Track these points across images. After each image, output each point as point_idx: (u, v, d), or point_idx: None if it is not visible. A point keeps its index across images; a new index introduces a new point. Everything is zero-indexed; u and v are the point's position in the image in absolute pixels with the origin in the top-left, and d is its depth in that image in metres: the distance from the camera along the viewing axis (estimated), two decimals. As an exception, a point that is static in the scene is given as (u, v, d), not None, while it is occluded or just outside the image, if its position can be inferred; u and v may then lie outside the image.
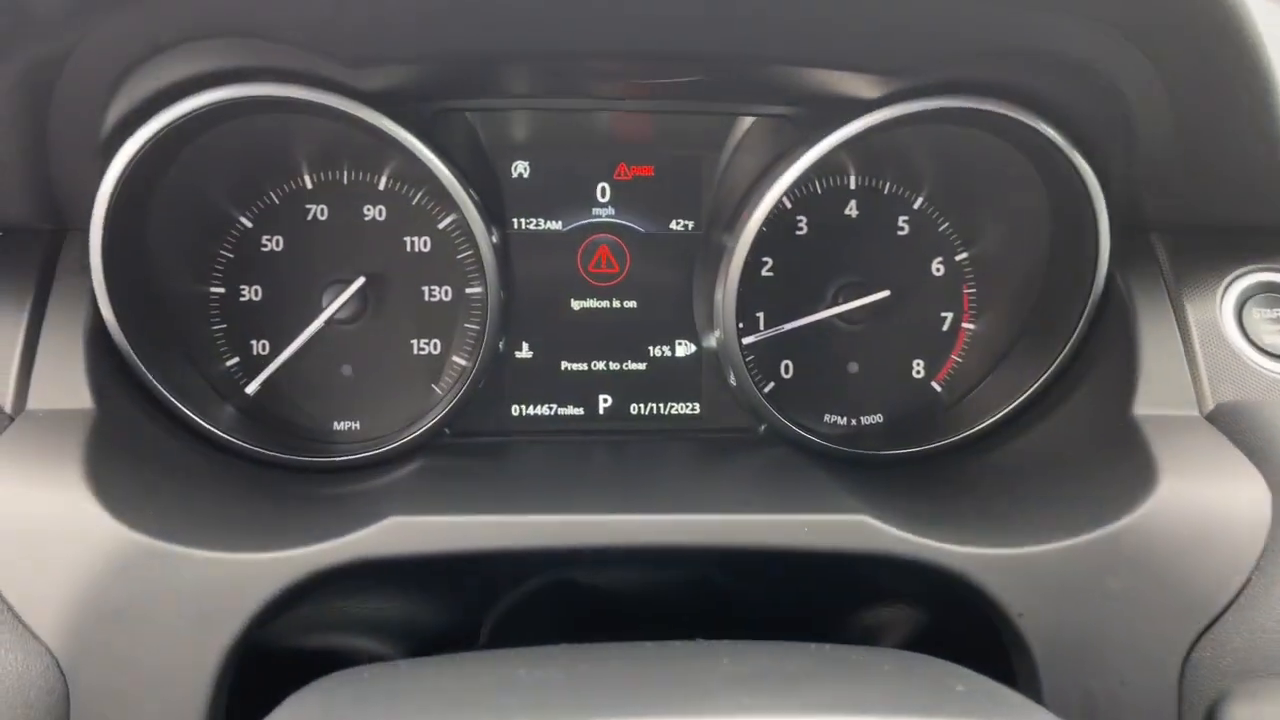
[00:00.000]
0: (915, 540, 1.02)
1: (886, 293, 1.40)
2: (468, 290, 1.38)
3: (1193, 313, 1.22)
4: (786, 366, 1.45)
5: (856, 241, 1.43)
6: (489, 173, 1.39)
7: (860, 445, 1.38)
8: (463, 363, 1.38)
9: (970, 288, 1.45)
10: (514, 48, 1.15)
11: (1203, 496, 1.04)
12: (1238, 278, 1.24)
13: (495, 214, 1.38)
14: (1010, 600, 1.00)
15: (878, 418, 1.47)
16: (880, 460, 1.37)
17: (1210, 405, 1.17)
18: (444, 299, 1.39)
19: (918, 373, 1.46)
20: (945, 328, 1.45)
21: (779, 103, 1.32)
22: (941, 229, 1.44)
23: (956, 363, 1.46)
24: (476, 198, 1.28)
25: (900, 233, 1.44)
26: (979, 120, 1.25)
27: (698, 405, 1.47)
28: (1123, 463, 1.11)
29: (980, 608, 1.04)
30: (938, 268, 1.44)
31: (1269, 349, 1.20)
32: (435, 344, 1.39)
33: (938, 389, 1.46)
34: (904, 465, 1.37)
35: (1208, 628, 0.98)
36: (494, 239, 1.30)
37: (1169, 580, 1.00)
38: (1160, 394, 1.17)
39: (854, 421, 1.47)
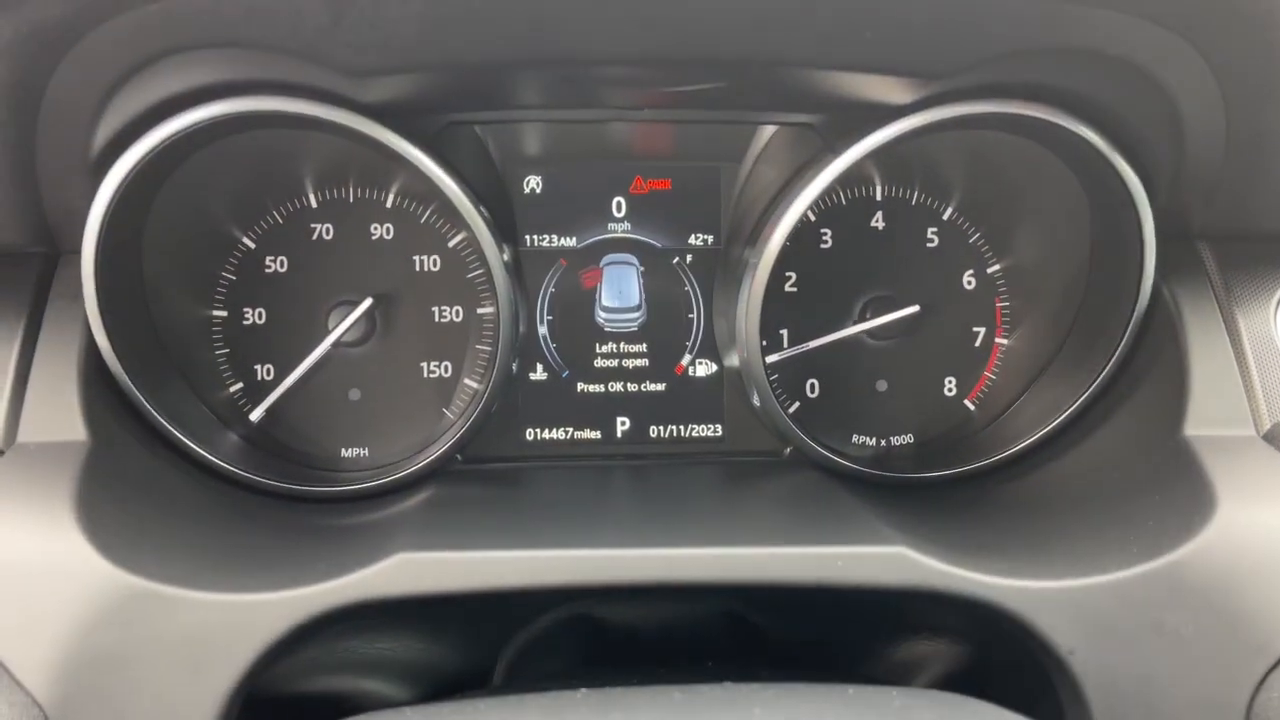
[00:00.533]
0: (957, 573, 0.96)
1: (916, 307, 1.34)
2: (479, 310, 1.32)
3: (1245, 325, 1.15)
4: (812, 385, 1.39)
5: (883, 254, 1.37)
6: (500, 188, 1.34)
7: (890, 468, 1.32)
8: (475, 385, 1.32)
9: (1003, 301, 1.38)
10: (524, 56, 1.10)
11: (1264, 523, 0.97)
12: (1295, 286, 1.17)
13: (507, 231, 1.33)
14: (1060, 637, 0.94)
15: (908, 438, 1.40)
16: (912, 483, 1.31)
17: (1267, 424, 1.10)
18: (455, 319, 1.34)
19: (949, 391, 1.40)
20: (977, 343, 1.39)
21: (803, 110, 1.26)
22: (972, 240, 1.37)
23: (990, 380, 1.40)
24: (487, 214, 1.23)
25: (929, 244, 1.38)
26: (1016, 125, 1.19)
27: (720, 427, 1.41)
28: (1176, 487, 1.04)
29: (1026, 644, 0.97)
30: (969, 280, 1.38)
31: (1328, 364, 1.13)
32: (446, 366, 1.34)
33: (970, 407, 1.40)
34: (937, 488, 1.31)
35: (1274, 667, 0.91)
36: (505, 257, 1.24)
37: (1231, 615, 0.93)
38: (1213, 412, 1.11)
39: (883, 442, 1.40)
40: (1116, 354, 1.22)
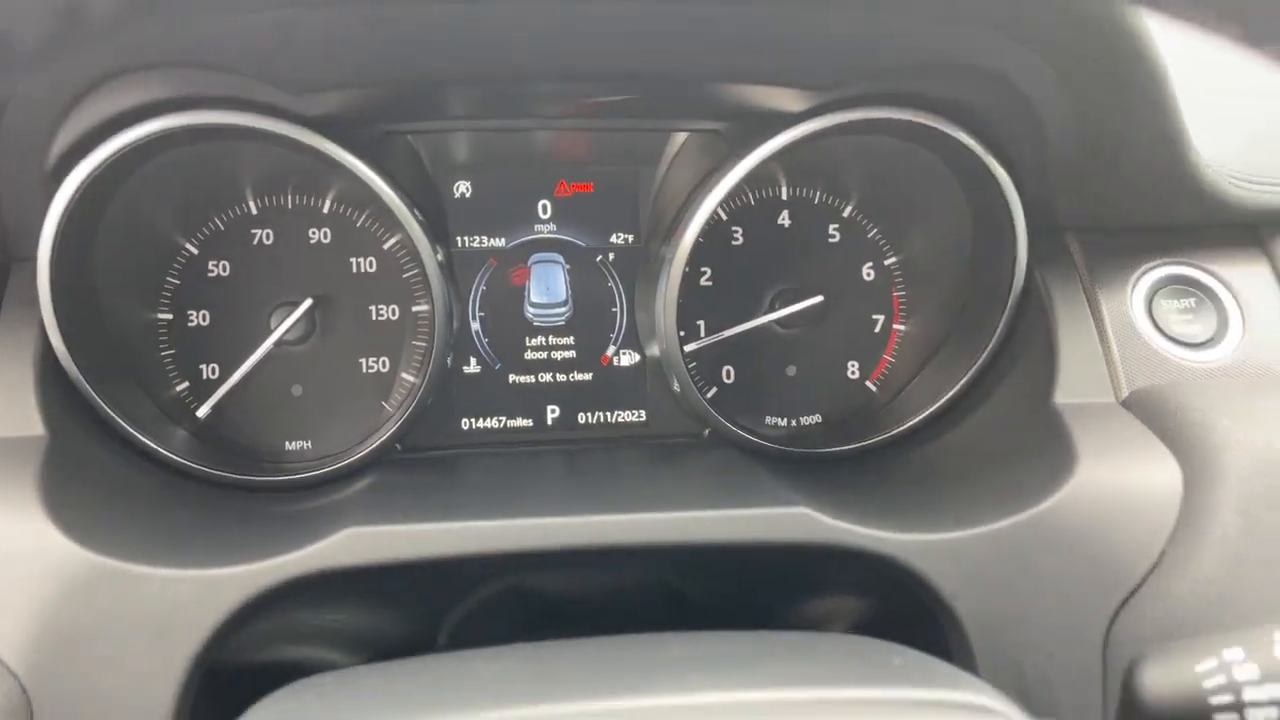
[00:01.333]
0: (853, 529, 1.08)
1: (820, 298, 1.46)
2: (414, 308, 1.40)
3: (1107, 306, 1.29)
4: (728, 372, 1.50)
5: (790, 250, 1.48)
6: (432, 193, 1.43)
7: (800, 444, 1.44)
8: (411, 379, 1.40)
9: (899, 291, 1.51)
10: (452, 72, 1.19)
11: (1119, 477, 1.11)
12: (1147, 272, 1.32)
13: (439, 233, 1.41)
14: (944, 583, 1.06)
15: (816, 418, 1.52)
16: (820, 458, 1.42)
17: (1125, 392, 1.24)
18: (391, 318, 1.41)
19: (853, 373, 1.52)
20: (877, 330, 1.51)
21: (710, 118, 1.38)
22: (870, 235, 1.50)
23: (889, 363, 1.52)
24: (420, 218, 1.31)
25: (831, 240, 1.49)
26: (901, 130, 1.31)
27: (644, 412, 1.51)
28: (1045, 449, 1.17)
29: (917, 592, 1.09)
30: (868, 273, 1.50)
31: (1177, 337, 1.28)
32: (384, 362, 1.42)
33: (872, 388, 1.52)
34: (843, 462, 1.42)
35: (1127, 599, 1.04)
36: (439, 257, 1.33)
37: (1090, 557, 1.06)
38: (1078, 384, 1.24)
39: (794, 422, 1.52)
40: (996, 335, 1.36)
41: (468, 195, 1.45)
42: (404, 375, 1.41)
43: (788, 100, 1.25)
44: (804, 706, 0.69)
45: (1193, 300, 1.30)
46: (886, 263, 1.50)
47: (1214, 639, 0.81)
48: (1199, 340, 1.28)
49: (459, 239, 1.45)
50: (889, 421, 1.45)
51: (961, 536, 1.08)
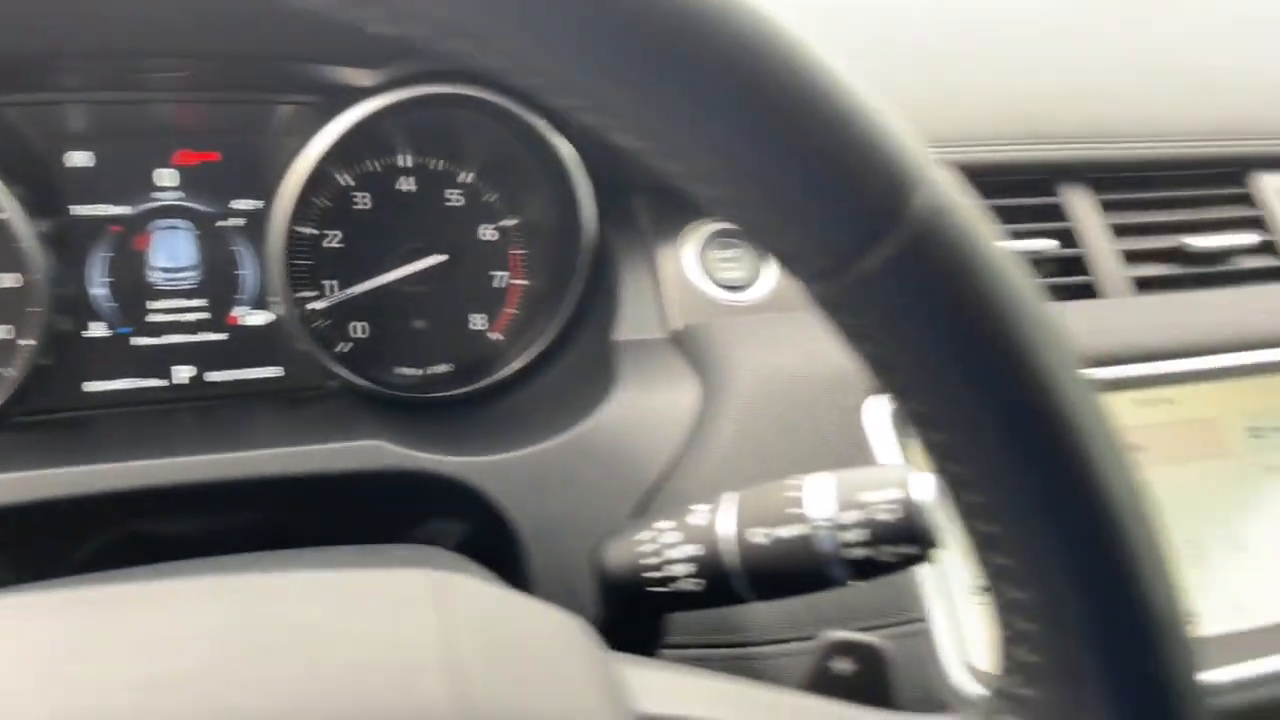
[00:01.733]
0: (418, 455, 1.23)
1: (444, 257, 1.60)
2: (34, 276, 1.44)
3: (661, 258, 1.51)
4: (359, 328, 1.62)
5: (415, 213, 1.61)
6: (40, 165, 1.46)
7: (426, 391, 1.58)
8: (28, 344, 1.44)
9: (517, 249, 1.67)
10: (35, 46, 1.25)
11: (649, 398, 1.32)
12: (699, 226, 1.54)
13: (51, 204, 1.45)
14: (498, 496, 1.23)
15: (446, 367, 1.67)
16: (439, 402, 1.57)
17: (671, 328, 1.46)
18: (13, 285, 1.45)
19: (478, 325, 1.67)
20: (499, 285, 1.67)
21: (305, 92, 1.49)
22: (487, 199, 1.65)
23: (513, 315, 1.68)
24: (22, 191, 1.35)
25: (453, 204, 1.64)
26: (468, 105, 1.47)
27: (280, 369, 1.61)
28: (599, 378, 1.37)
29: (489, 510, 1.26)
30: (488, 233, 1.66)
31: (721, 282, 1.51)
32: (9, 329, 1.45)
33: (497, 338, 1.68)
34: (461, 405, 1.58)
35: (645, 499, 1.24)
36: (45, 228, 1.38)
37: (620, 466, 1.26)
38: (635, 324, 1.45)
39: (424, 371, 1.66)
40: (578, 286, 1.55)
41: (82, 165, 1.49)
42: (21, 341, 1.45)
43: (358, 76, 1.38)
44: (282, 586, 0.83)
45: (735, 250, 1.53)
46: (504, 224, 1.66)
47: (653, 516, 1.01)
48: (738, 284, 1.51)
49: (76, 208, 1.50)
50: (505, 365, 1.62)
51: (515, 455, 1.25)
